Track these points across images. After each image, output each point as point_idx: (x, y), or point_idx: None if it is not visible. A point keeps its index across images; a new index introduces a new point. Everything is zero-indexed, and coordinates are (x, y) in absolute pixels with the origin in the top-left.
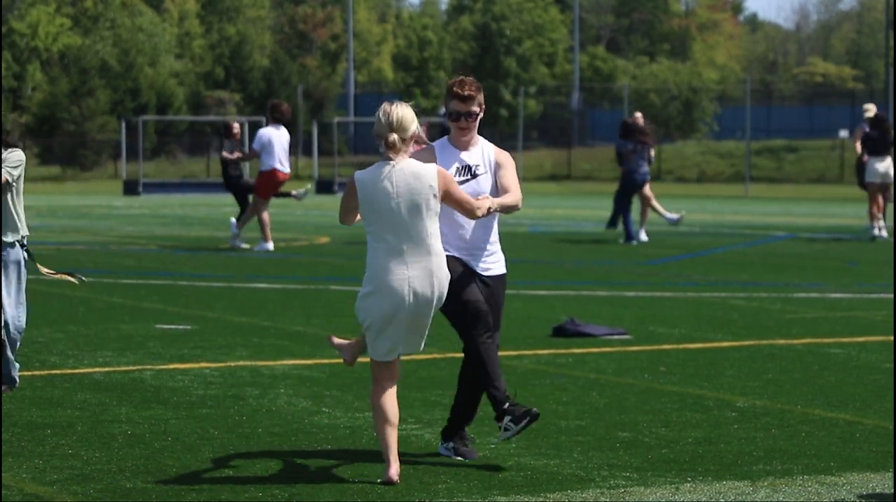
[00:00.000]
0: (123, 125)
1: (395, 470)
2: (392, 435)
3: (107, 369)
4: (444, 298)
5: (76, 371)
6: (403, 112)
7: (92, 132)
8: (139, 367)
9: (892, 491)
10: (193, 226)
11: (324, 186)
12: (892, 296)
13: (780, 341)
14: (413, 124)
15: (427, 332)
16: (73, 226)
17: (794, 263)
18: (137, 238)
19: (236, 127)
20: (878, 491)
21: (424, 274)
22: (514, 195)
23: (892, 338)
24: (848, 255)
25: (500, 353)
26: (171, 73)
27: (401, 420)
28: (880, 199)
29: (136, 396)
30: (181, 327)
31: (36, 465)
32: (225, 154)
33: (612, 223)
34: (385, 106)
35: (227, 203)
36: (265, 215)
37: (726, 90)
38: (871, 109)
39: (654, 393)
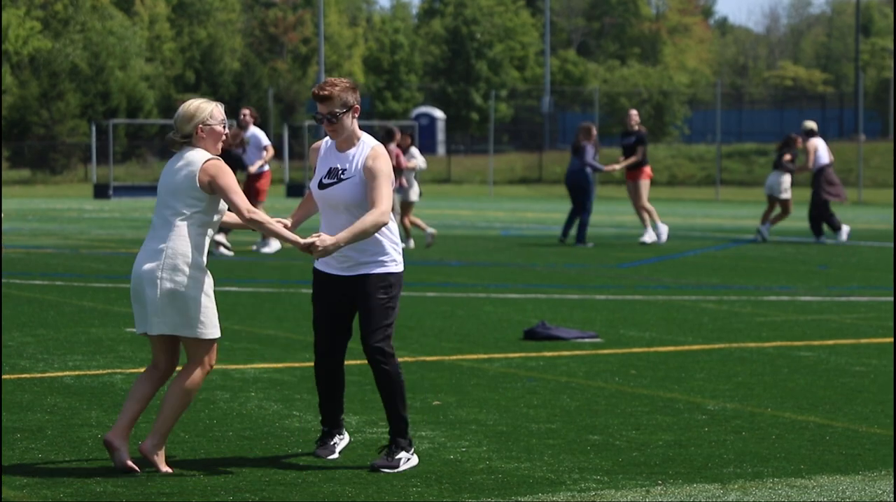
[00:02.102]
0: (94, 128)
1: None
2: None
3: (77, 373)
4: (139, 282)
5: (46, 375)
6: (183, 108)
7: (62, 135)
8: (109, 371)
9: (894, 494)
10: None
11: (295, 189)
12: (862, 298)
13: (750, 344)
14: (192, 120)
15: (156, 311)
16: (44, 229)
17: (765, 266)
18: (108, 241)
19: (246, 114)
20: (847, 493)
21: (141, 254)
22: (366, 219)
23: (861, 340)
24: (818, 259)
25: (471, 356)
26: (142, 76)
27: (371, 423)
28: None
29: (107, 400)
30: None
31: (5, 469)
32: (252, 169)
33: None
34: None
35: None
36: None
37: (697, 94)
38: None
39: (624, 397)
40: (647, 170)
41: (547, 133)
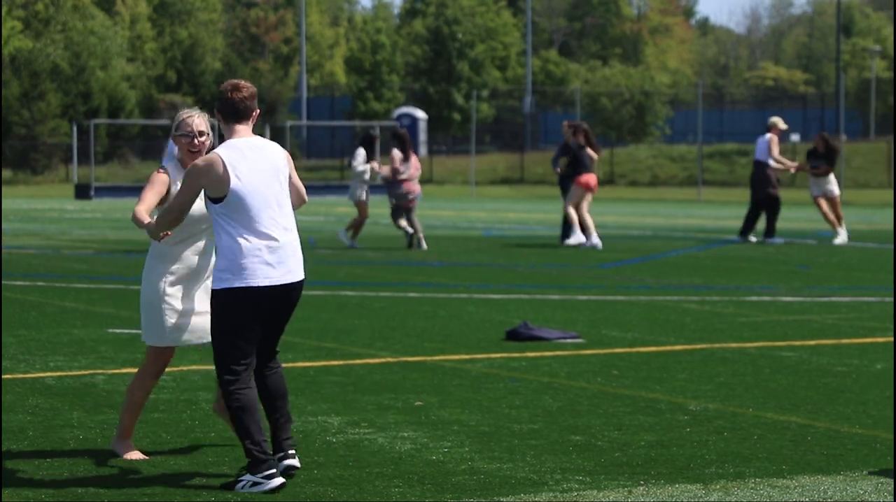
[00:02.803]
0: (75, 129)
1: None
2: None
3: (59, 374)
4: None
5: (28, 375)
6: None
7: (43, 136)
8: (91, 372)
9: (894, 496)
10: None
11: None
12: (843, 299)
13: (732, 344)
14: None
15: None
16: (25, 229)
17: (747, 267)
18: (89, 242)
19: None
20: (829, 493)
21: None
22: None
23: (842, 340)
24: (799, 259)
25: (453, 357)
26: (123, 76)
27: (353, 424)
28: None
29: (89, 401)
30: (133, 331)
31: None
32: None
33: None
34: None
35: None
36: None
37: (678, 94)
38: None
39: (606, 397)
40: (580, 178)
41: (529, 133)
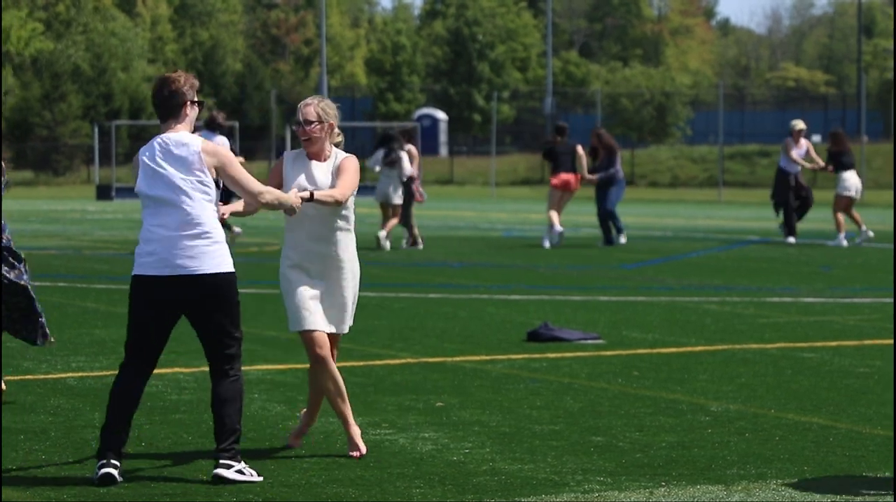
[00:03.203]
0: (96, 130)
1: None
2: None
3: (80, 374)
4: None
5: (49, 376)
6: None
7: (65, 137)
8: (113, 373)
9: (893, 496)
10: None
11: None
12: (865, 300)
13: (753, 345)
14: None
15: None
16: (46, 230)
17: (768, 268)
18: (110, 242)
19: (222, 116)
20: (850, 495)
21: None
22: None
23: (864, 342)
24: (821, 260)
25: (474, 357)
26: (144, 77)
27: (374, 425)
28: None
29: None
30: None
31: (9, 470)
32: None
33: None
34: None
35: None
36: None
37: (699, 95)
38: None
39: (627, 398)
40: (553, 179)
41: (549, 134)
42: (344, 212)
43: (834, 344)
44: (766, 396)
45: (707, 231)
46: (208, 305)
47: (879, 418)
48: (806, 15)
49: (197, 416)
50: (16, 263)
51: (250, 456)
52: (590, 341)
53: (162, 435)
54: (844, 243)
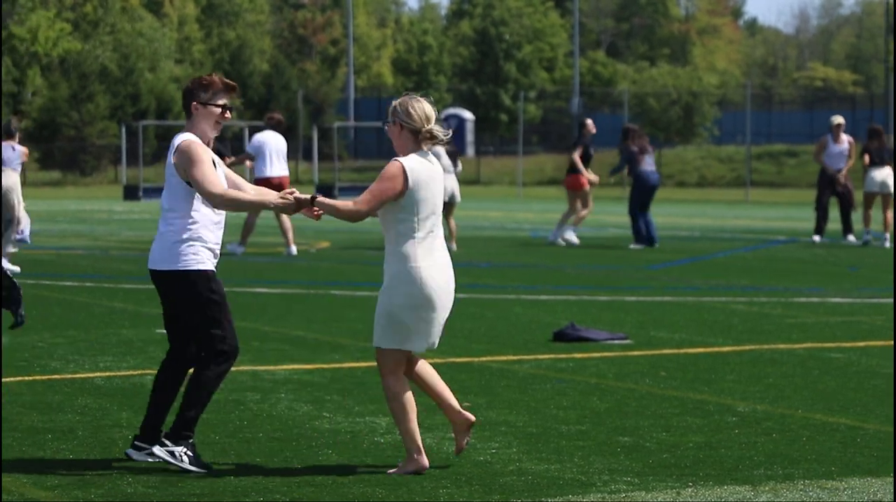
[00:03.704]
0: (124, 130)
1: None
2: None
3: (107, 374)
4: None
5: (77, 376)
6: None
7: (92, 137)
8: (140, 372)
9: (893, 495)
10: None
11: (324, 191)
12: (892, 300)
13: (780, 346)
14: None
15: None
16: (73, 230)
17: (795, 268)
18: (138, 243)
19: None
20: (878, 495)
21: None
22: None
23: (892, 342)
24: (848, 260)
25: (500, 358)
26: (171, 77)
27: None
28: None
29: (137, 401)
30: None
31: (37, 470)
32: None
33: (643, 239)
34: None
35: None
36: (252, 219)
37: (726, 94)
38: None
39: (654, 398)
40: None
41: (576, 134)
42: (398, 224)
43: (861, 344)
44: (793, 397)
45: (734, 231)
46: (169, 299)
47: None
48: (834, 14)
49: (224, 416)
50: None
51: (276, 456)
52: (616, 341)
53: None
54: (864, 240)
